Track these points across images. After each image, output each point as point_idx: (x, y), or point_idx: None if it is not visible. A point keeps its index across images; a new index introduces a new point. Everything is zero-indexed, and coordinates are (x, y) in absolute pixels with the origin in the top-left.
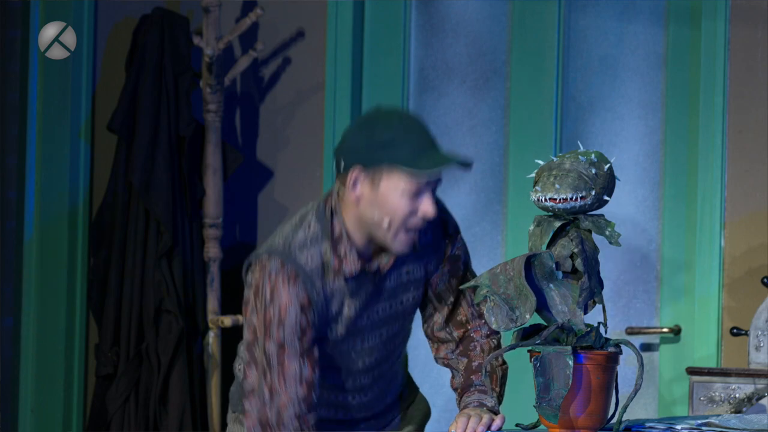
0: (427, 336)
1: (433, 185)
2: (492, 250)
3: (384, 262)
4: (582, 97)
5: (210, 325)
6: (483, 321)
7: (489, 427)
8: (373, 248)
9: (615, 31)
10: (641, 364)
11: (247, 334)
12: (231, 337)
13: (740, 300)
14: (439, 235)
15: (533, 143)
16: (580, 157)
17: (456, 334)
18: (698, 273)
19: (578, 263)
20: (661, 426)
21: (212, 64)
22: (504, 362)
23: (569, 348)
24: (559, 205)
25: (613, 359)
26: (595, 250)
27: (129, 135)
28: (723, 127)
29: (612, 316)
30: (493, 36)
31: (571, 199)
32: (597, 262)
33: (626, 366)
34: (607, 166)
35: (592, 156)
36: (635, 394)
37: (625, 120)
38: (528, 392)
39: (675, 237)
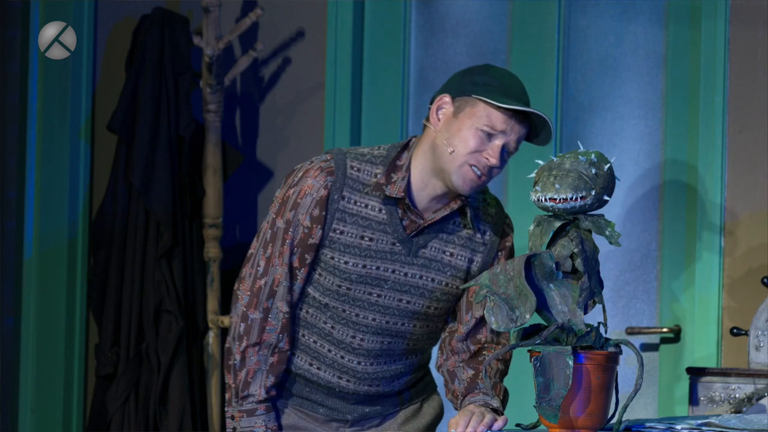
0: (442, 343)
1: (507, 138)
2: None
3: (430, 215)
4: (582, 97)
5: (210, 325)
6: (498, 346)
7: (490, 427)
8: (429, 197)
9: (615, 31)
10: (641, 364)
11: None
12: None
13: (740, 300)
14: (496, 242)
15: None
16: (580, 157)
17: (472, 348)
18: (698, 273)
19: (578, 263)
20: (661, 426)
21: (212, 64)
22: (504, 388)
23: (569, 348)
24: (559, 205)
25: (613, 359)
26: (595, 250)
27: (129, 135)
28: (723, 127)
29: (612, 316)
30: (493, 36)
31: (571, 199)
32: (597, 262)
33: (626, 366)
34: (607, 166)
35: (592, 156)
36: (635, 394)
37: (625, 120)
38: (528, 392)
39: (675, 237)
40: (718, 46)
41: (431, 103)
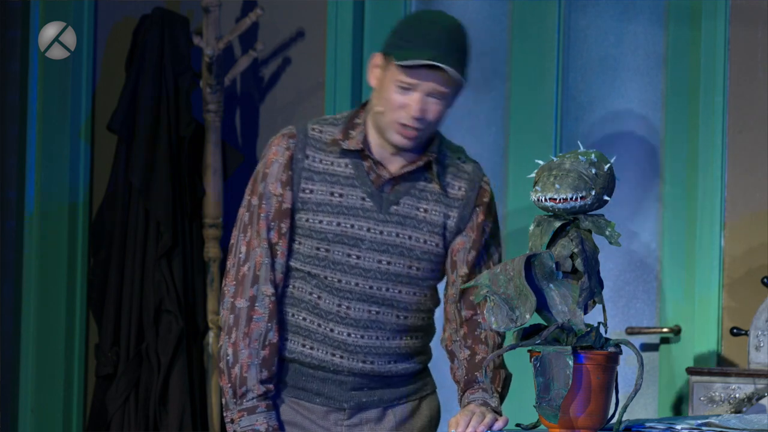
0: (444, 310)
1: (424, 88)
2: None
3: (397, 169)
4: (582, 97)
5: (210, 325)
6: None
7: (490, 427)
8: (389, 153)
9: (615, 31)
10: (641, 364)
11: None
12: None
13: (740, 300)
14: (472, 197)
15: (533, 143)
16: (580, 157)
17: (464, 314)
18: (698, 273)
19: (578, 263)
20: (661, 426)
21: (212, 64)
22: (507, 370)
23: (569, 348)
24: (559, 205)
25: (613, 359)
26: (595, 250)
27: (129, 135)
28: (723, 127)
29: (612, 316)
30: (493, 36)
31: (571, 199)
32: (597, 262)
33: (626, 366)
34: (607, 166)
35: (592, 156)
36: (635, 394)
37: (625, 120)
38: (528, 392)
39: (675, 237)
40: (718, 46)
41: None
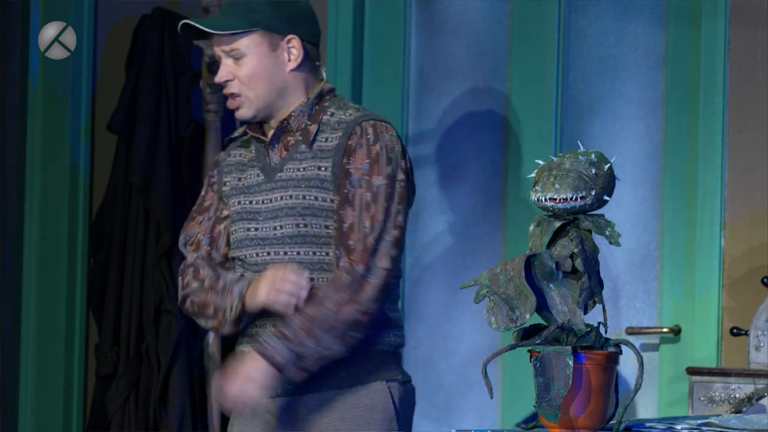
0: None
1: (220, 53)
2: (492, 250)
3: (269, 132)
4: (582, 97)
5: None
6: (343, 264)
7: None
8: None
9: (615, 31)
10: (641, 364)
11: None
12: (231, 337)
13: (740, 300)
14: (343, 143)
15: (533, 143)
16: (580, 157)
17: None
18: (698, 273)
19: (578, 263)
20: (661, 426)
21: (212, 64)
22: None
23: (569, 348)
24: (559, 205)
25: (613, 359)
26: (595, 250)
27: (129, 135)
28: (723, 127)
29: (612, 316)
30: (493, 36)
31: (571, 199)
32: (597, 262)
33: (626, 366)
34: (607, 166)
35: (592, 156)
36: (635, 394)
37: (625, 120)
38: (528, 392)
39: (675, 237)
40: (718, 46)
41: None
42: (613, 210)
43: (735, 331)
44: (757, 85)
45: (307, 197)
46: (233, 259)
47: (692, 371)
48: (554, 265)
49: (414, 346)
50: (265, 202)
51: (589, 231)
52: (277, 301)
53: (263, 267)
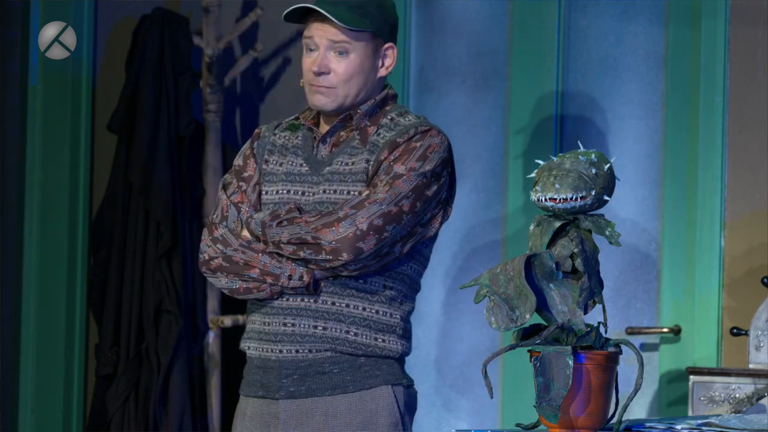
0: None
1: (319, 41)
2: (492, 250)
3: (325, 128)
4: (582, 97)
5: (210, 325)
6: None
7: None
8: (328, 122)
9: (615, 31)
10: (641, 364)
11: None
12: (231, 337)
13: (740, 300)
14: (392, 139)
15: (533, 143)
16: (580, 157)
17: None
18: (698, 273)
19: (578, 263)
20: (661, 426)
21: (212, 64)
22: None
23: (569, 348)
24: (559, 205)
25: (613, 359)
26: (595, 250)
27: (129, 135)
28: (723, 127)
29: (612, 316)
30: (493, 36)
31: (571, 199)
32: (597, 262)
33: (626, 366)
34: (607, 166)
35: (592, 156)
36: (635, 394)
37: (625, 120)
38: (528, 392)
39: (675, 237)
40: (718, 46)
41: None
42: (613, 210)
43: (735, 331)
44: (757, 85)
45: (352, 192)
46: None
47: (692, 371)
48: (554, 265)
49: (414, 346)
50: (307, 194)
51: (589, 231)
52: None
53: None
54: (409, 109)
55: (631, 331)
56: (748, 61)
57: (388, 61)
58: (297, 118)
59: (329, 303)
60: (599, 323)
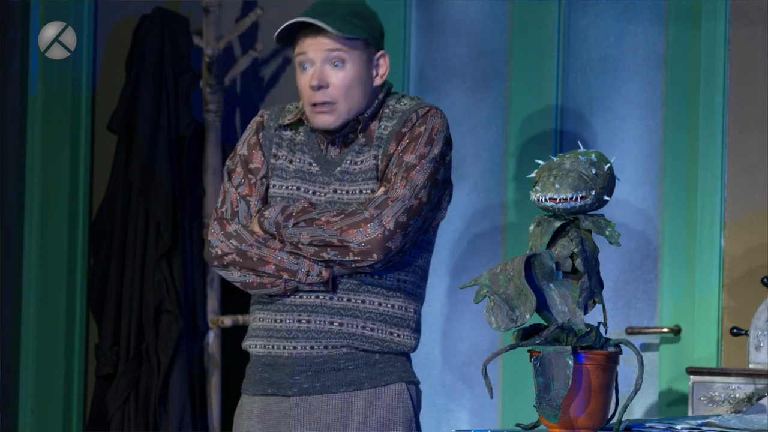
0: None
1: (315, 55)
2: (492, 250)
3: (333, 134)
4: (582, 97)
5: (210, 325)
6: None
7: None
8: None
9: (615, 31)
10: (641, 364)
11: None
12: (231, 337)
13: (740, 300)
14: (397, 129)
15: (533, 143)
16: (580, 157)
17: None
18: (698, 273)
19: (578, 263)
20: (661, 426)
21: (212, 64)
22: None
23: (569, 348)
24: (559, 205)
25: (613, 359)
26: (595, 250)
27: (129, 135)
28: (723, 127)
29: (612, 316)
30: (493, 36)
31: (571, 199)
32: (597, 262)
33: (626, 366)
34: (607, 166)
35: (592, 156)
36: (635, 394)
37: (625, 120)
38: (528, 392)
39: (675, 237)
40: (718, 46)
41: None
42: (613, 210)
43: (735, 331)
44: (757, 85)
45: (364, 191)
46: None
47: (692, 371)
48: (554, 265)
49: None
50: (318, 193)
51: (589, 231)
52: None
53: None
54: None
55: (631, 331)
56: (748, 61)
57: (381, 70)
58: (301, 120)
59: (345, 299)
60: (599, 323)
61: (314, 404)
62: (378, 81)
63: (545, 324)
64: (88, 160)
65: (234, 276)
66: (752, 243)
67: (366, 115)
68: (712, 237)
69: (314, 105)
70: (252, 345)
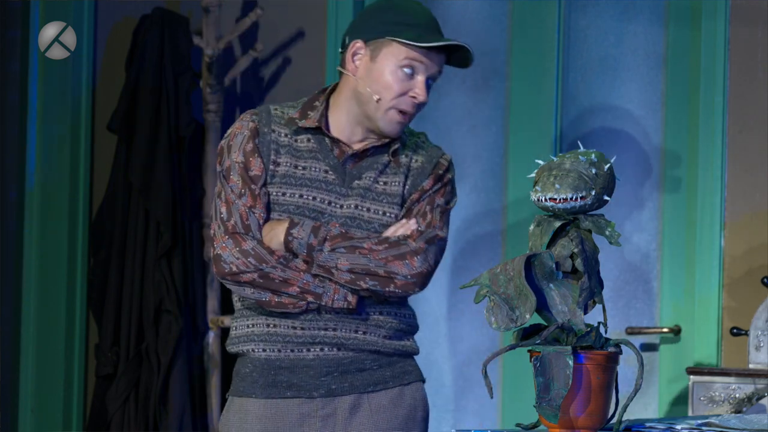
0: None
1: (428, 71)
2: (492, 250)
3: (359, 144)
4: (582, 97)
5: (210, 325)
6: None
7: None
8: (358, 135)
9: (615, 31)
10: (641, 364)
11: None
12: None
13: (740, 300)
14: (429, 168)
15: (533, 143)
16: (580, 157)
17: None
18: (698, 273)
19: (578, 263)
20: (661, 426)
21: (212, 64)
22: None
23: (569, 348)
24: (559, 205)
25: (613, 359)
26: (595, 250)
27: (129, 135)
28: (723, 127)
29: (612, 316)
30: (493, 36)
31: (571, 199)
32: (597, 262)
33: (626, 366)
34: (607, 166)
35: (592, 156)
36: (635, 394)
37: (625, 120)
38: (528, 392)
39: (675, 237)
40: (718, 46)
41: (343, 49)
42: (613, 210)
43: (735, 331)
44: (757, 85)
45: (388, 213)
46: None
47: (692, 371)
48: (554, 265)
49: None
50: (333, 204)
51: (589, 231)
52: None
53: None
54: None
55: (631, 331)
56: (748, 61)
57: None
58: (293, 120)
59: (364, 313)
60: (599, 323)
61: (342, 404)
62: None
63: (545, 324)
64: (88, 160)
65: (247, 292)
66: (752, 243)
67: (404, 136)
68: (712, 237)
69: (402, 113)
70: (256, 349)
